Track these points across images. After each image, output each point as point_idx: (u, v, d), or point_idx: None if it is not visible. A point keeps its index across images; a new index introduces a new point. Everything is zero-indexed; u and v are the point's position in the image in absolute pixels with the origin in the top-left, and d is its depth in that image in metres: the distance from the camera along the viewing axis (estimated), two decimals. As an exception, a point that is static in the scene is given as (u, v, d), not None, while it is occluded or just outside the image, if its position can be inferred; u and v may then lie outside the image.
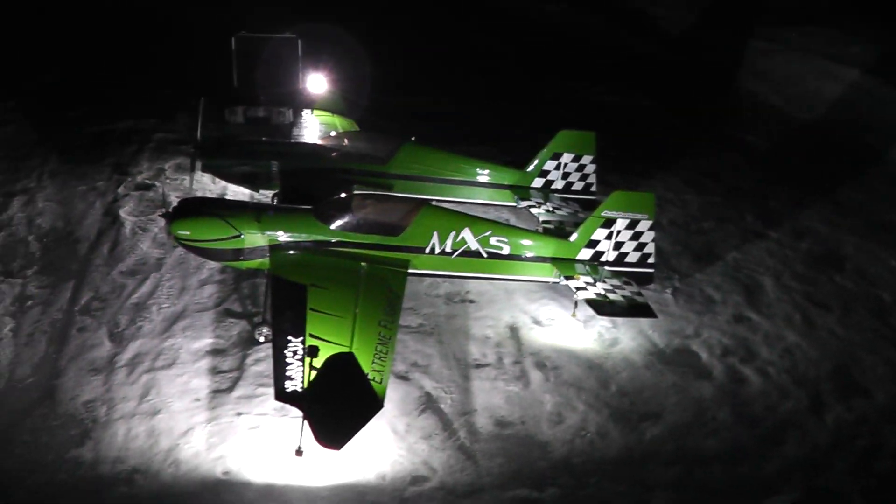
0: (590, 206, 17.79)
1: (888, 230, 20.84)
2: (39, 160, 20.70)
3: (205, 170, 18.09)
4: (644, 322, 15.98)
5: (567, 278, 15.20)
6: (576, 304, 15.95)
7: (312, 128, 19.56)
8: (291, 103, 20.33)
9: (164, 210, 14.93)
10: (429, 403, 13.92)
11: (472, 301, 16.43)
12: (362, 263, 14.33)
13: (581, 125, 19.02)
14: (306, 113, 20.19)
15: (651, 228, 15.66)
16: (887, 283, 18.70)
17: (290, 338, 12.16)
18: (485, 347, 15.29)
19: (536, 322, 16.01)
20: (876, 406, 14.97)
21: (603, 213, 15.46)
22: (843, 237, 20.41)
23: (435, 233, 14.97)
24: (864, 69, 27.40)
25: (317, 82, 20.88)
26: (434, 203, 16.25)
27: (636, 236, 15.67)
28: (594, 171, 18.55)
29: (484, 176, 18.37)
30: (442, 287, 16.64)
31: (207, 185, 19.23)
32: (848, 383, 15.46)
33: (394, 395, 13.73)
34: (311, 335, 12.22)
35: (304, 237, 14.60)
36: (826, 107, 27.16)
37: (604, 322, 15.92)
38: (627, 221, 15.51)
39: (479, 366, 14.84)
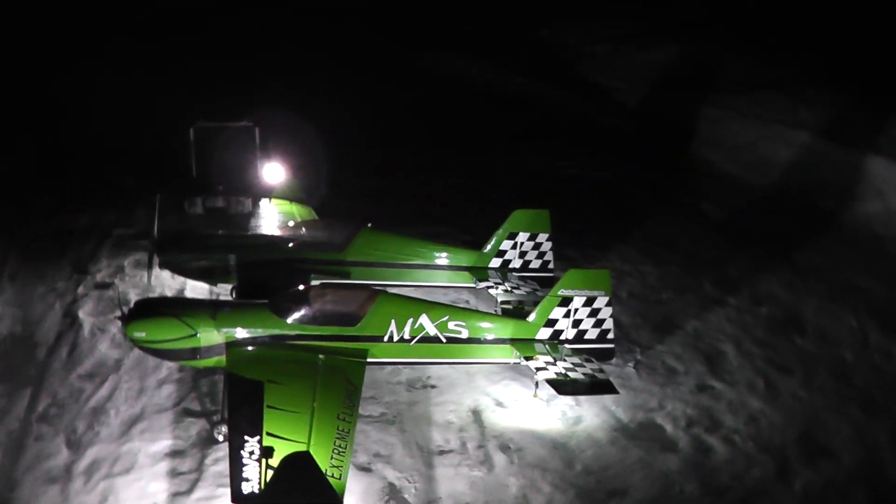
0: (548, 284, 17.89)
1: (847, 291, 21.00)
2: (-1, 262, 20.67)
3: (163, 266, 18.09)
4: (607, 398, 15.94)
5: (527, 359, 15.21)
6: (537, 384, 15.96)
7: (270, 217, 19.67)
8: (250, 192, 20.47)
9: (119, 313, 14.88)
10: (392, 494, 13.75)
11: (433, 386, 16.36)
12: (320, 356, 14.27)
13: (541, 198, 19.24)
14: (264, 202, 20.32)
15: (608, 304, 15.79)
16: (849, 344, 18.83)
17: (246, 437, 12.07)
18: (448, 433, 15.18)
19: (499, 404, 15.95)
20: (843, 468, 15.00)
21: (560, 292, 15.57)
22: (802, 300, 20.54)
23: (392, 320, 14.97)
24: (815, 133, 27.82)
25: (274, 170, 21.03)
26: (391, 290, 16.31)
27: (594, 313, 15.76)
28: (550, 249, 18.70)
29: (442, 258, 18.45)
30: (403, 374, 16.57)
31: (166, 281, 19.17)
32: (814, 447, 15.46)
33: (356, 488, 13.57)
34: (269, 433, 12.14)
35: (260, 332, 14.55)
36: (780, 172, 27.53)
37: (567, 400, 15.87)
38: (584, 299, 15.61)
39: (442, 452, 14.72)
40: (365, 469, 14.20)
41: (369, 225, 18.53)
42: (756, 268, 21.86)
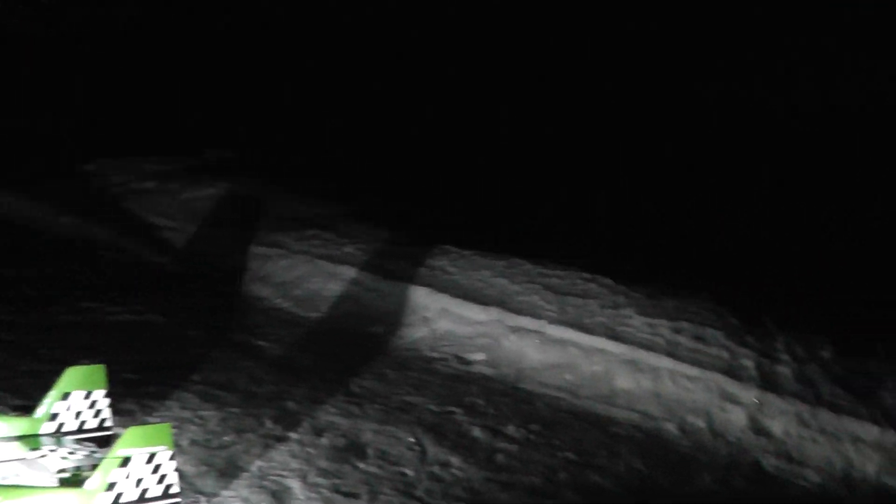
0: (107, 443, 17.35)
1: (402, 410, 22.43)
2: None
3: None
4: (175, 555, 15.74)
5: (89, 528, 14.62)
6: (101, 553, 15.37)
7: None
8: None
9: None
10: None
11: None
12: None
13: (96, 350, 18.61)
14: None
15: (171, 458, 15.66)
16: (409, 460, 20.01)
17: None
18: None
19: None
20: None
21: (118, 453, 15.11)
22: (361, 425, 21.57)
23: (-71, 513, 13.73)
24: (360, 266, 29.86)
25: None
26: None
27: (156, 469, 15.50)
28: (108, 405, 18.06)
29: (-13, 431, 17.21)
30: (-53, 565, 15.15)
31: None
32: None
33: None
34: None
35: None
36: (330, 304, 29.06)
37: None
38: (146, 457, 15.37)
39: None
40: None
41: None
42: (314, 399, 22.66)
